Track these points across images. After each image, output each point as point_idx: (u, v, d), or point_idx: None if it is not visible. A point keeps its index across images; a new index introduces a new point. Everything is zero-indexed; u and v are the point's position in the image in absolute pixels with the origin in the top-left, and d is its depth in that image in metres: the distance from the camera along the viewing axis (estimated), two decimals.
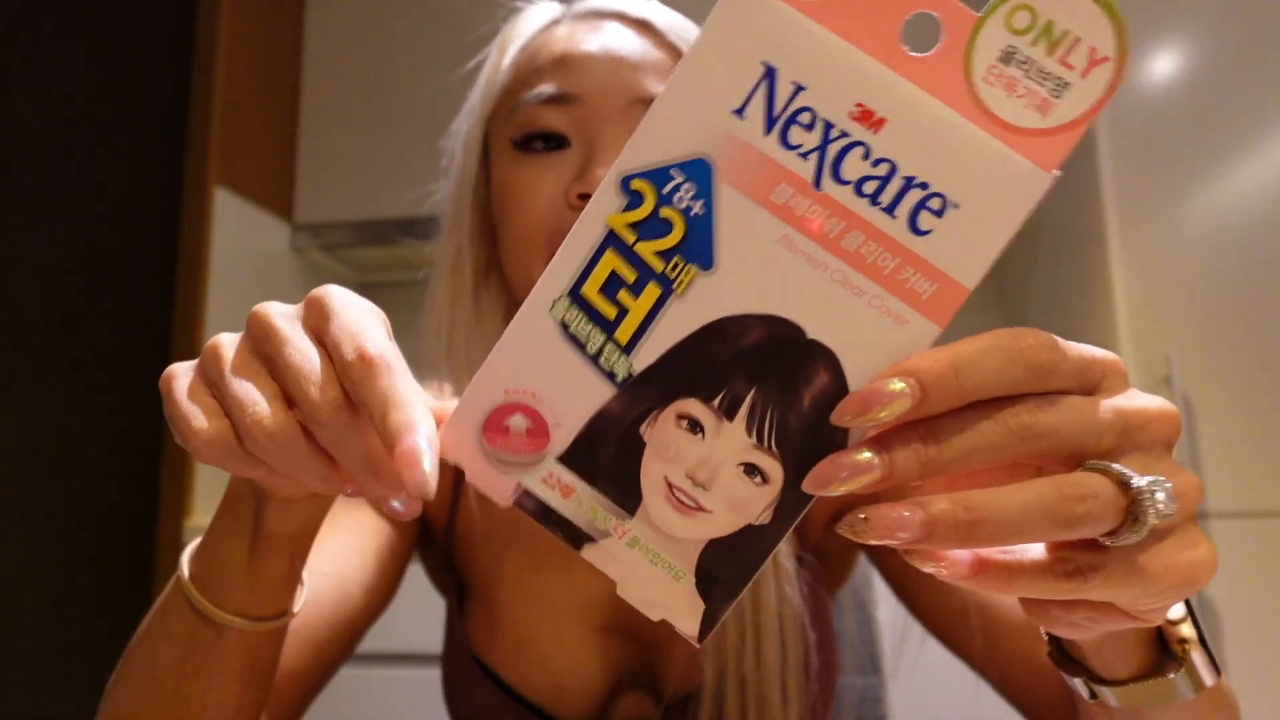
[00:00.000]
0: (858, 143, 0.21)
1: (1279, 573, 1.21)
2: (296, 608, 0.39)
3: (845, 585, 0.64)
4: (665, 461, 0.24)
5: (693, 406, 0.23)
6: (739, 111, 0.21)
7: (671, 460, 0.24)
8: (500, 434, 0.25)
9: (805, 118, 0.21)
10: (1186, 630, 0.30)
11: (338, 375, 0.26)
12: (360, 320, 0.27)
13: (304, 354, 0.26)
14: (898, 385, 0.21)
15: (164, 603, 0.38)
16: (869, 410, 0.21)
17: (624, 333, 0.23)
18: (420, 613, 1.22)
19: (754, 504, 0.24)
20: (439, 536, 0.60)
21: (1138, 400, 0.23)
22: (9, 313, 1.30)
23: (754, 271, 0.22)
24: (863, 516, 0.21)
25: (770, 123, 0.21)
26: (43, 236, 1.36)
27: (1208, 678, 0.30)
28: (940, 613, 0.53)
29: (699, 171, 0.22)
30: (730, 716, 0.50)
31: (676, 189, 0.22)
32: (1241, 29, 1.36)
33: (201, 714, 0.37)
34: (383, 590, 0.55)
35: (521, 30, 0.55)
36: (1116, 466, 0.21)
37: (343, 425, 0.26)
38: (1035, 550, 0.22)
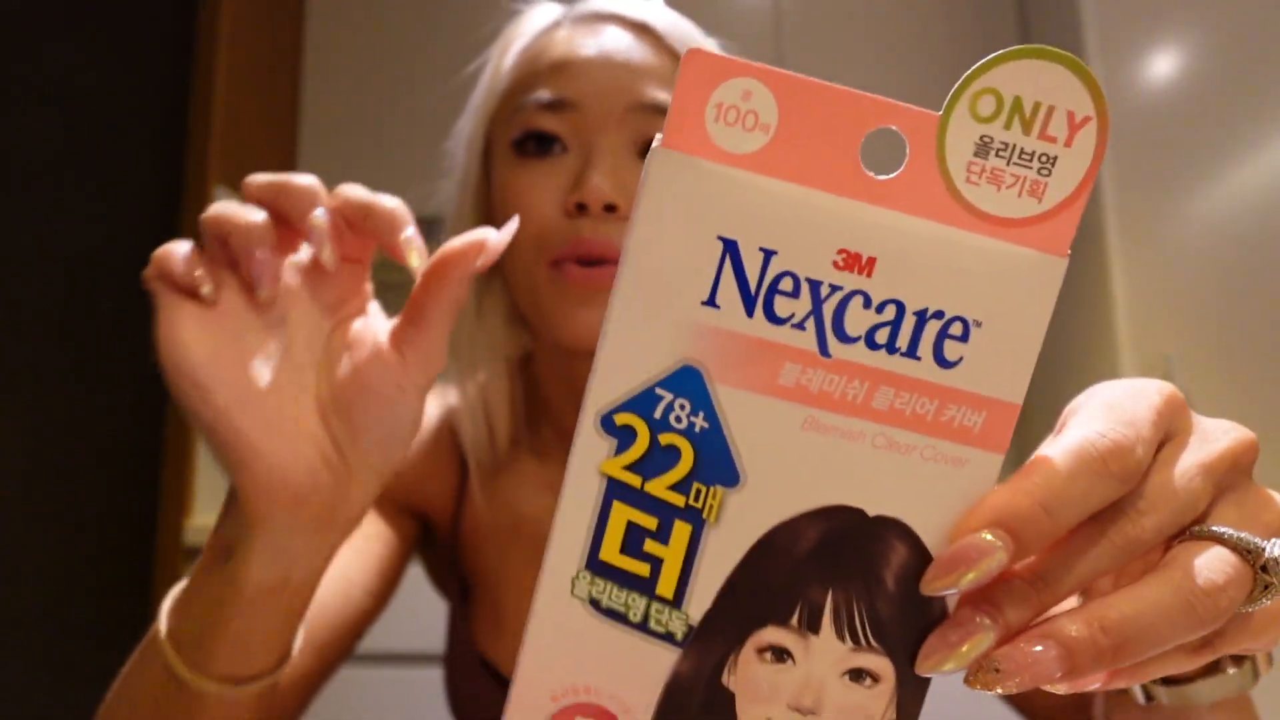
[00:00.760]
0: (854, 293, 0.18)
1: None
2: (276, 675, 0.35)
3: None
4: (763, 704, 0.21)
5: (771, 634, 0.21)
6: (710, 302, 0.18)
7: (769, 699, 0.21)
8: None
9: (787, 284, 0.18)
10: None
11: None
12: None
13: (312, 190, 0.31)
14: (987, 538, 0.19)
15: (138, 655, 0.35)
16: (958, 571, 0.19)
17: (666, 586, 0.20)
18: (420, 613, 1.22)
19: (873, 707, 0.21)
20: (443, 537, 0.61)
21: (1213, 442, 0.22)
22: (9, 313, 1.30)
23: (788, 470, 0.19)
24: (996, 668, 0.19)
25: (750, 303, 0.18)
26: (43, 236, 1.36)
27: (1263, 667, 0.29)
28: None
29: (688, 382, 0.19)
30: None
31: (669, 410, 0.19)
32: (1241, 29, 1.36)
33: None
34: (384, 592, 0.55)
35: (522, 32, 0.54)
36: (1230, 533, 0.20)
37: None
38: None
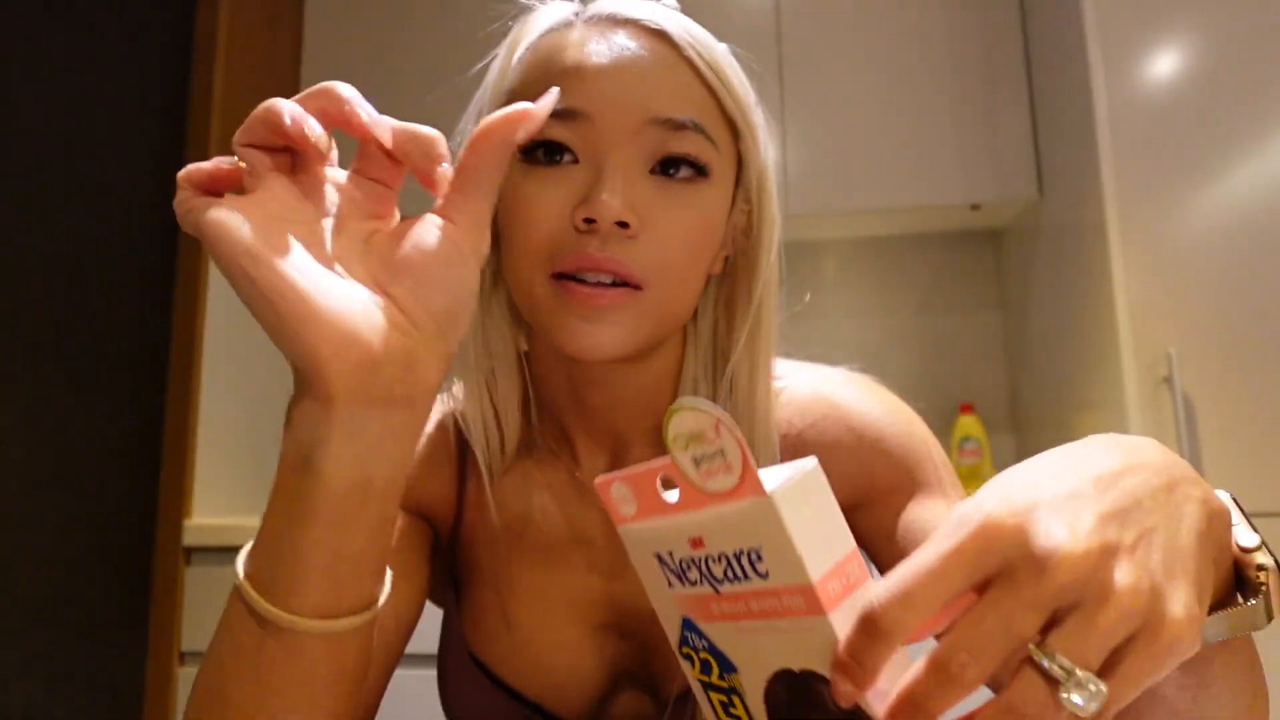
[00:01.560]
0: (704, 556, 0.29)
1: None
2: (383, 596, 0.35)
3: None
4: None
5: None
6: (670, 585, 0.32)
7: None
8: None
9: (683, 564, 0.30)
10: (1262, 558, 0.31)
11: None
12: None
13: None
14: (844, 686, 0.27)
15: (227, 615, 0.34)
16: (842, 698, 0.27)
17: None
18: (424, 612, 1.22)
19: None
20: (444, 542, 0.61)
21: (1043, 576, 0.25)
22: (9, 313, 1.30)
23: (749, 655, 0.30)
24: None
25: (679, 575, 0.31)
26: (43, 236, 1.36)
27: (1276, 609, 0.30)
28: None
29: (691, 626, 0.31)
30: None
31: (693, 644, 0.32)
32: (1241, 29, 1.36)
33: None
34: (425, 587, 0.57)
35: (532, 30, 0.53)
36: (1040, 656, 0.25)
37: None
38: None
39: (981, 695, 0.26)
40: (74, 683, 1.34)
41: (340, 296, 0.31)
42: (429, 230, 0.33)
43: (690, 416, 0.27)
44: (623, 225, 0.47)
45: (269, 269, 0.30)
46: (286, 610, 0.32)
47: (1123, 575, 0.26)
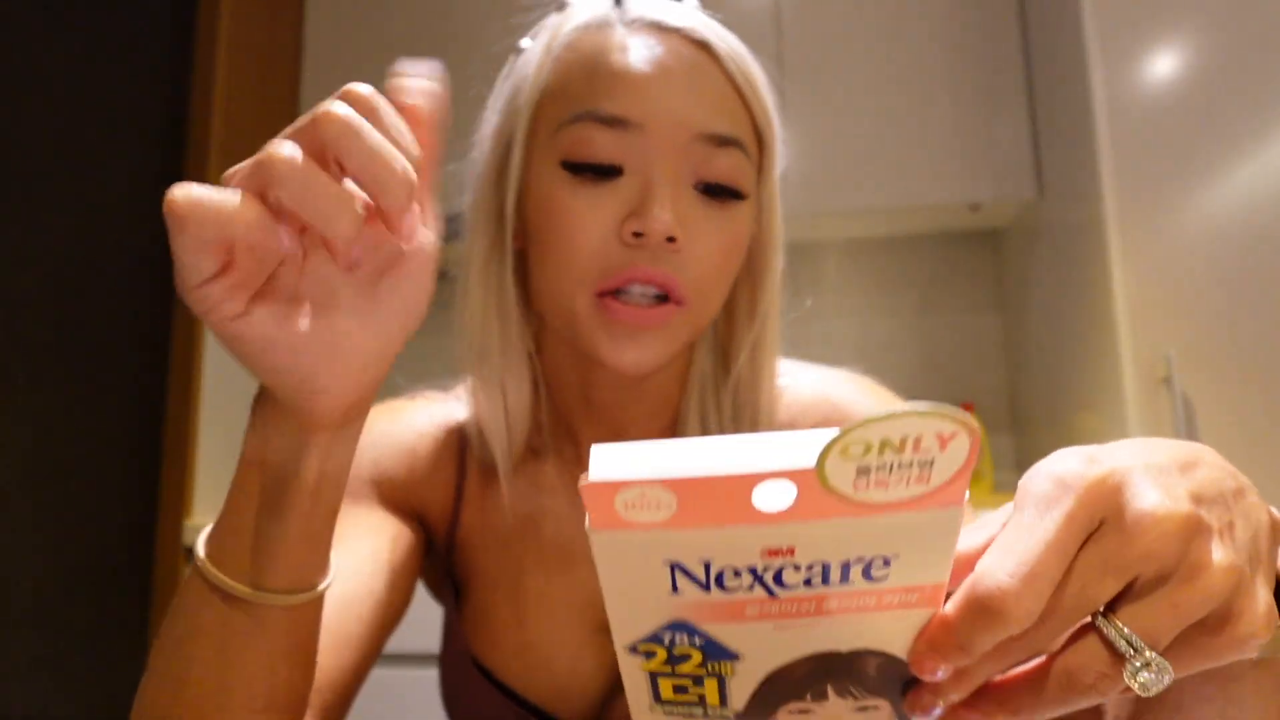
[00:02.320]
0: (783, 565, 0.24)
1: None
2: (329, 577, 0.37)
3: None
4: None
5: (795, 708, 0.29)
6: (675, 590, 0.25)
7: None
8: None
9: (729, 572, 0.24)
10: None
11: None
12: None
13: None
14: (939, 672, 0.26)
15: (184, 599, 0.36)
16: (927, 671, 0.26)
17: (712, 700, 0.29)
18: (420, 613, 1.22)
19: (880, 716, 0.29)
20: (440, 543, 0.60)
21: (1131, 539, 0.24)
22: (9, 313, 1.30)
23: (772, 646, 0.26)
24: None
25: (705, 586, 0.24)
26: (43, 236, 1.36)
27: None
28: None
29: (682, 627, 0.26)
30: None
31: (675, 641, 0.27)
32: (1241, 29, 1.36)
33: (249, 704, 0.35)
34: (406, 588, 0.56)
35: (568, 25, 0.52)
36: (1110, 630, 0.24)
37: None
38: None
39: None
40: (74, 683, 1.34)
41: (342, 372, 0.32)
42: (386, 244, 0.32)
43: (889, 425, 0.21)
44: (671, 240, 0.47)
45: (278, 365, 0.31)
46: (255, 588, 0.34)
47: (1215, 553, 0.25)
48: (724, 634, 0.26)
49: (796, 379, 0.60)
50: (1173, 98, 1.37)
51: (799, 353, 0.63)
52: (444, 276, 0.58)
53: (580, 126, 0.48)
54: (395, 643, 1.36)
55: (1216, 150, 1.34)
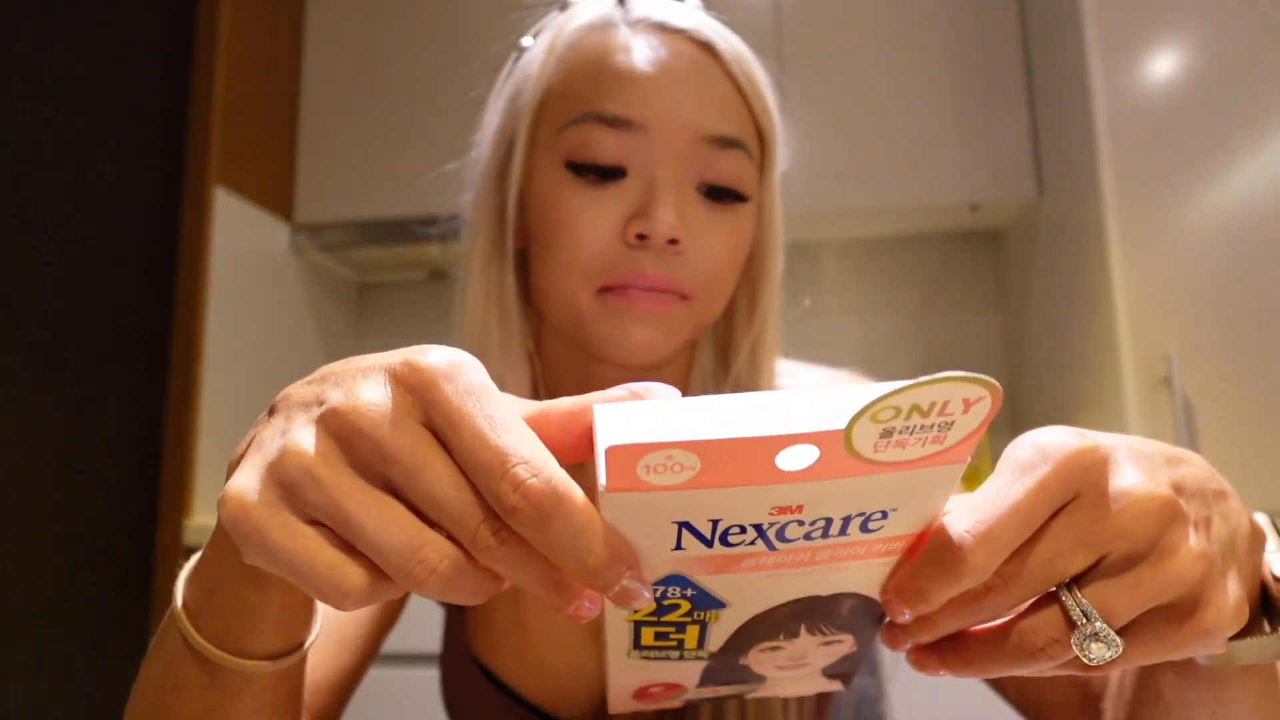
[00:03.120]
0: (788, 521, 0.23)
1: None
2: (315, 630, 0.34)
3: None
4: (769, 665, 0.31)
5: (766, 646, 0.30)
6: (678, 547, 0.24)
7: (772, 663, 0.31)
8: (648, 696, 0.34)
9: (734, 529, 0.23)
10: None
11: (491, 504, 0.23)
12: (491, 422, 0.23)
13: (448, 481, 0.23)
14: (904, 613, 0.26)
15: (164, 648, 0.33)
16: (895, 612, 0.27)
17: (690, 644, 0.29)
18: (420, 613, 1.22)
19: (842, 649, 0.31)
20: None
21: (1105, 514, 0.24)
22: (9, 313, 1.30)
23: (761, 594, 0.27)
24: (909, 657, 0.28)
25: (708, 542, 0.24)
26: (43, 236, 1.36)
27: None
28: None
29: (677, 580, 0.26)
30: (730, 717, 0.51)
31: (666, 594, 0.26)
32: (1241, 29, 1.36)
33: None
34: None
35: (571, 24, 0.52)
36: (1068, 599, 0.25)
37: (517, 557, 0.24)
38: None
39: None
40: (75, 683, 1.34)
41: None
42: None
43: (929, 390, 0.21)
44: (674, 242, 0.47)
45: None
46: (238, 655, 0.31)
47: (1188, 539, 0.25)
48: (715, 584, 0.26)
49: (796, 379, 0.60)
50: (1173, 98, 1.37)
51: (799, 353, 0.63)
52: (444, 276, 0.58)
53: (584, 127, 0.48)
54: (395, 643, 1.36)
55: (1216, 150, 1.34)
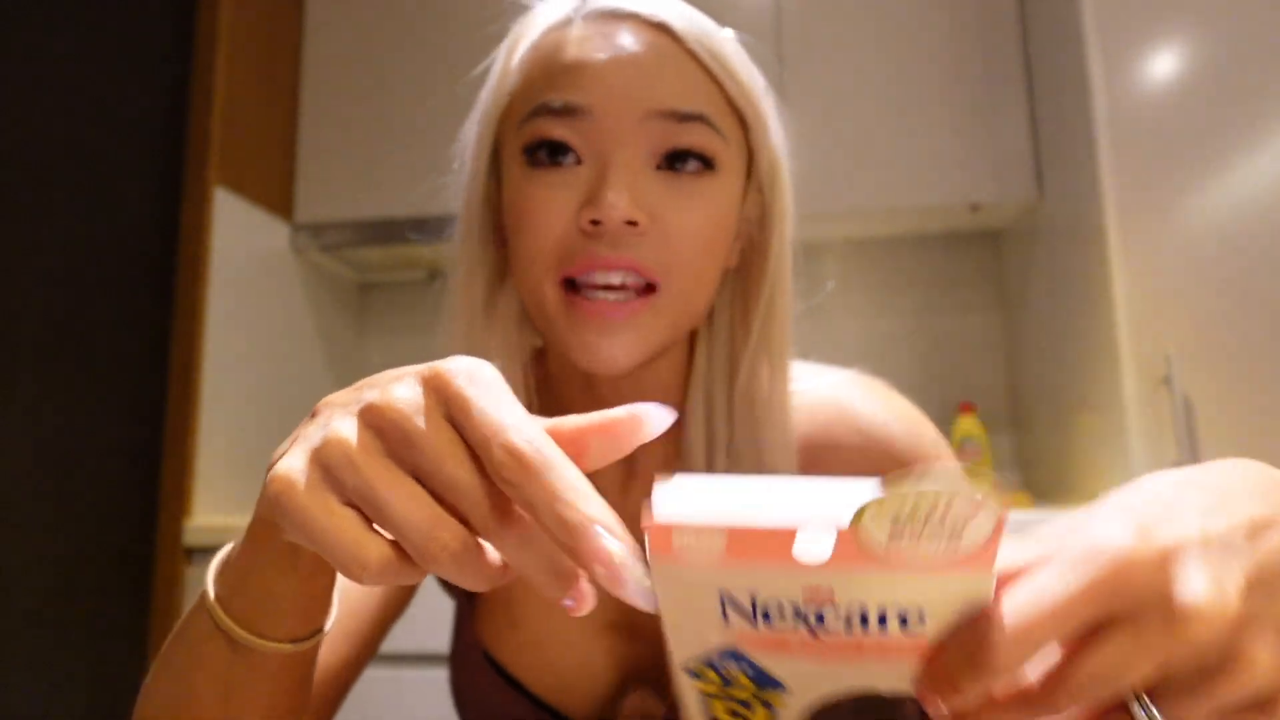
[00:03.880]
0: (824, 607, 0.25)
1: None
2: (331, 620, 0.37)
3: None
4: None
5: None
6: (725, 619, 0.26)
7: None
8: None
9: (773, 606, 0.25)
10: None
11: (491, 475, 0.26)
12: (498, 405, 0.26)
13: (464, 468, 0.26)
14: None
15: (190, 629, 0.37)
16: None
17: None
18: (422, 613, 1.22)
19: None
20: None
21: (1174, 628, 0.23)
22: (9, 313, 1.30)
23: (816, 681, 0.27)
24: None
25: (753, 618, 0.26)
26: (43, 236, 1.36)
27: None
28: None
29: (733, 654, 0.27)
30: None
31: (726, 666, 0.28)
32: (1241, 29, 1.36)
33: None
34: (408, 586, 0.57)
35: (531, 28, 0.52)
36: (1138, 710, 0.24)
37: (518, 540, 0.26)
38: None
39: None
40: (74, 683, 1.34)
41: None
42: None
43: (949, 492, 0.22)
44: (631, 224, 0.46)
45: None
46: (261, 637, 0.34)
47: (1263, 650, 0.23)
48: (770, 664, 0.27)
49: (803, 381, 0.59)
50: (1173, 98, 1.37)
51: (799, 353, 0.63)
52: (444, 276, 0.58)
53: (535, 121, 0.48)
54: (396, 643, 1.36)
55: (1216, 150, 1.34)
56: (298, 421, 0.34)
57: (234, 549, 0.35)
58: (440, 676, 0.63)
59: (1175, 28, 1.38)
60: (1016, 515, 1.36)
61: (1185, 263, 1.33)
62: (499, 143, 0.52)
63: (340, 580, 0.49)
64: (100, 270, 1.47)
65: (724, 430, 0.55)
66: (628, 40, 0.49)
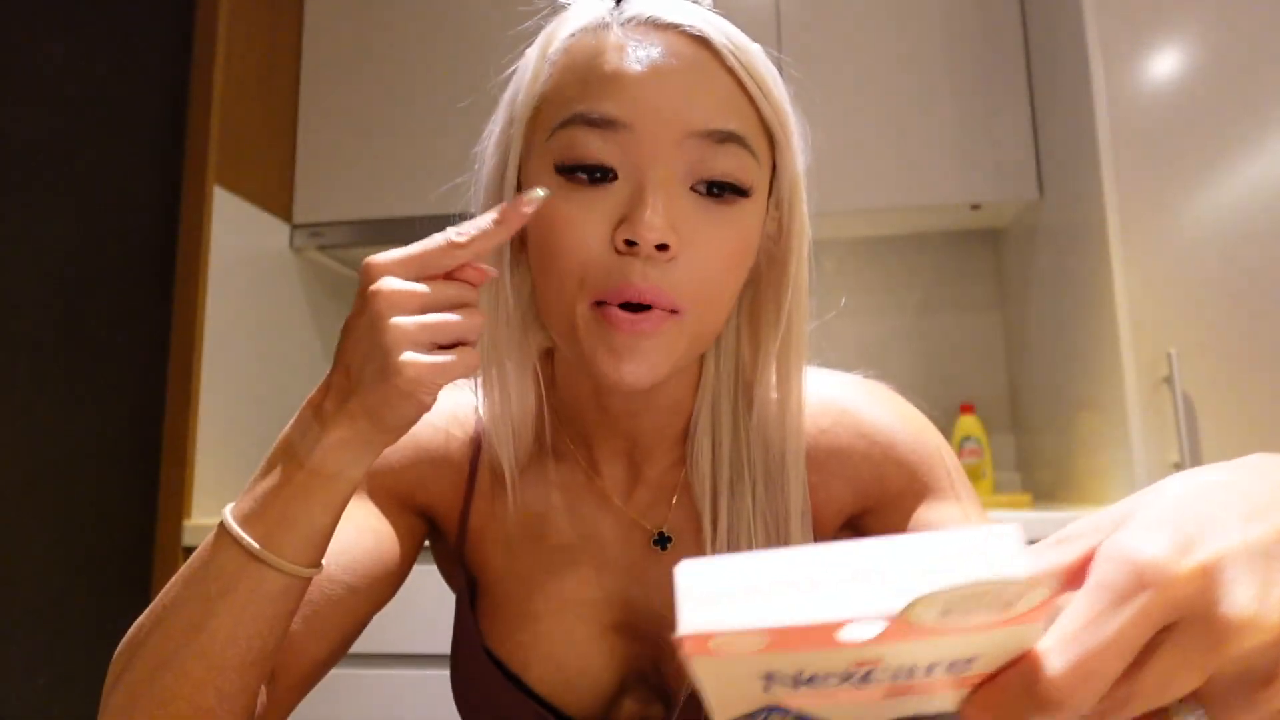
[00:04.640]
0: (871, 669, 0.24)
1: None
2: (325, 562, 0.46)
3: None
4: None
5: None
6: (766, 690, 0.25)
7: None
8: None
9: (820, 676, 0.24)
10: None
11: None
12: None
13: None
14: None
15: (205, 552, 0.44)
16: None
17: None
18: (424, 614, 1.22)
19: None
20: (451, 537, 0.61)
21: (1216, 637, 0.23)
22: (9, 312, 1.29)
23: (859, 711, 0.27)
24: None
25: (796, 686, 0.25)
26: (43, 236, 1.36)
27: None
28: None
29: (777, 710, 0.27)
30: None
31: (770, 716, 0.27)
32: (1241, 29, 1.36)
33: (245, 653, 0.43)
34: (390, 583, 0.57)
35: (563, 29, 0.51)
36: (1178, 715, 0.24)
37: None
38: None
39: None
40: (75, 683, 1.34)
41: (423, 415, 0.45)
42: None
43: (1004, 588, 0.22)
44: (663, 248, 0.45)
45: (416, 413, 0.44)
46: (275, 553, 0.43)
47: None
48: (815, 710, 0.27)
49: (807, 384, 0.59)
50: (1173, 98, 1.37)
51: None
52: None
53: (570, 130, 0.47)
54: (396, 643, 1.36)
55: (1217, 150, 1.34)
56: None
57: (260, 479, 0.44)
58: (440, 676, 0.62)
59: (1175, 28, 1.38)
60: (1016, 515, 1.36)
61: (1186, 261, 1.33)
62: (527, 142, 0.51)
63: (341, 554, 0.53)
64: (100, 270, 1.47)
65: (729, 440, 0.55)
66: (669, 54, 0.48)
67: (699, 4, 0.51)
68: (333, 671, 0.56)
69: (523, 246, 0.53)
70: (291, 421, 0.44)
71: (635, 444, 0.57)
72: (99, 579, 1.44)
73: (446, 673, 0.61)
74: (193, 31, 1.68)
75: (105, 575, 1.46)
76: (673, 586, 0.23)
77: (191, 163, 1.63)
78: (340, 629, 0.53)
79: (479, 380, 0.56)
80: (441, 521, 0.61)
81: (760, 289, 0.55)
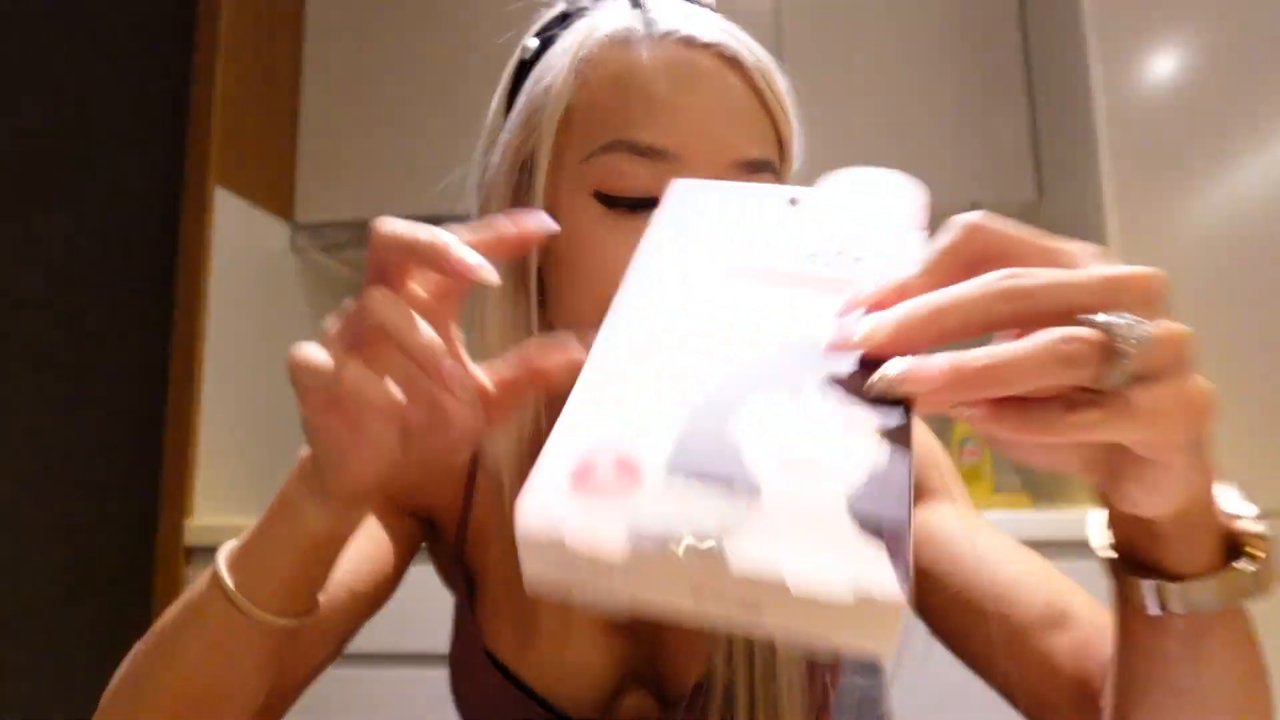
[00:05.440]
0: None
1: None
2: (318, 610, 0.42)
3: None
4: (767, 444, 0.25)
5: (765, 396, 0.28)
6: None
7: (771, 439, 0.25)
8: (588, 479, 0.28)
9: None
10: (1261, 528, 0.32)
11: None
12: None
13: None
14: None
15: (196, 596, 0.41)
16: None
17: None
18: (424, 614, 1.22)
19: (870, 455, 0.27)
20: (450, 537, 0.61)
21: (1120, 268, 0.25)
22: (9, 312, 1.30)
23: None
24: (895, 372, 0.24)
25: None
26: (43, 236, 1.36)
27: (1277, 575, 0.31)
28: (954, 611, 0.52)
29: None
30: (740, 713, 0.51)
31: None
32: (1241, 29, 1.36)
33: (226, 701, 0.41)
34: (384, 586, 0.57)
35: (590, 37, 0.49)
36: (1099, 316, 0.24)
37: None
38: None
39: None
40: (74, 683, 1.34)
41: (384, 469, 0.36)
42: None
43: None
44: None
45: (349, 472, 0.37)
46: (261, 609, 0.39)
47: (1176, 326, 0.25)
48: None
49: None
50: (1172, 98, 1.37)
51: None
52: None
53: (614, 157, 0.46)
54: (400, 643, 1.36)
55: (1216, 150, 1.34)
56: (298, 421, 0.36)
57: (257, 531, 0.40)
58: (439, 676, 0.63)
59: (1175, 28, 1.38)
60: (1017, 516, 1.36)
61: (1185, 263, 1.33)
62: (556, 156, 0.49)
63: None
64: (100, 270, 1.47)
65: None
66: (707, 79, 0.47)
67: (704, 6, 0.51)
68: (331, 671, 0.56)
69: (538, 260, 0.53)
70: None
71: None
72: (99, 579, 1.44)
73: (445, 672, 0.61)
74: (194, 31, 1.68)
75: (106, 575, 1.46)
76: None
77: (192, 163, 1.63)
78: (339, 633, 0.54)
79: None
80: (441, 523, 0.61)
81: None
